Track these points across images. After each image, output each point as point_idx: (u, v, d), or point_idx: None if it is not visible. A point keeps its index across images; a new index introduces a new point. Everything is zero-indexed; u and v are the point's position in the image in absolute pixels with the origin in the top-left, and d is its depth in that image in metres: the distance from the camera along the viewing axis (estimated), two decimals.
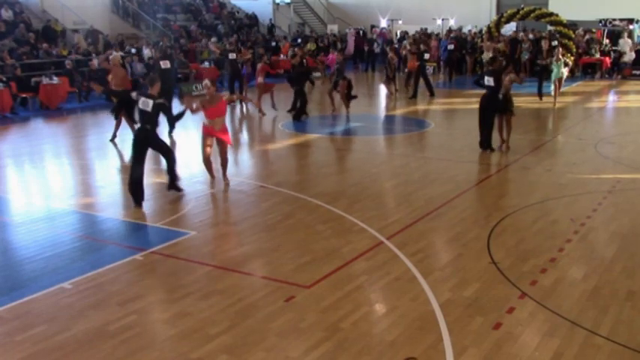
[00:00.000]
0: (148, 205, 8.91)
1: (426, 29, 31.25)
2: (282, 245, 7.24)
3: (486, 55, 24.04)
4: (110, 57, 15.99)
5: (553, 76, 18.08)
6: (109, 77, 13.92)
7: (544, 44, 20.09)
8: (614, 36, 26.61)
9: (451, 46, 26.04)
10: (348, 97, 16.97)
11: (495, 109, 11.64)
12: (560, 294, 5.84)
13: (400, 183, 10.12)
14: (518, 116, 16.75)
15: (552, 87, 18.17)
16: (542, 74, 19.21)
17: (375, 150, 13.10)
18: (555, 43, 20.85)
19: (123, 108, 13.02)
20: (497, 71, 11.69)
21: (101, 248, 7.33)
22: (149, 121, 8.78)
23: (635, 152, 11.99)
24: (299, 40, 30.54)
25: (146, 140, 8.81)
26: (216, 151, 9.83)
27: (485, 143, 11.92)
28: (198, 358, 4.83)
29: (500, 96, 11.46)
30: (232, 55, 19.36)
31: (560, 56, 18.31)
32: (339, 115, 17.07)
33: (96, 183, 10.56)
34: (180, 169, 10.97)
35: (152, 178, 9.92)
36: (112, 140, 13.53)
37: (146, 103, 8.72)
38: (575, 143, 13.38)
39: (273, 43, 30.01)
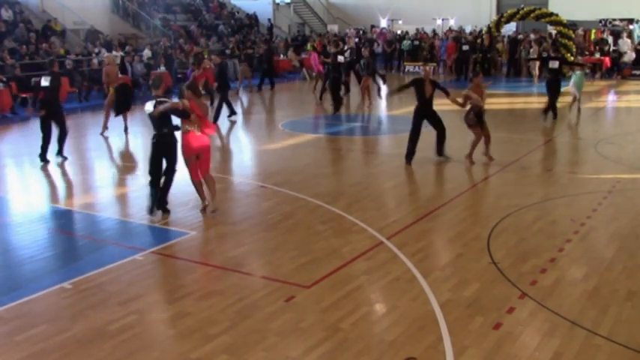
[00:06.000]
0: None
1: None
2: (282, 245, 7.24)
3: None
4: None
5: (578, 84, 15.66)
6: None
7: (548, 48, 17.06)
8: (614, 36, 26.63)
9: (466, 47, 26.29)
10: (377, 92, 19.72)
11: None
12: (560, 294, 5.84)
13: (400, 183, 10.12)
14: (518, 116, 16.83)
15: (575, 103, 15.96)
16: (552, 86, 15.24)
17: (375, 150, 13.10)
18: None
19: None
20: None
21: (101, 248, 7.32)
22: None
23: (635, 152, 11.99)
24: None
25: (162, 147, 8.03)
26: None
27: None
28: (198, 358, 4.83)
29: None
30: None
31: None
32: (338, 114, 17.08)
33: (96, 183, 10.56)
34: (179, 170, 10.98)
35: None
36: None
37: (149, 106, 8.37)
38: (575, 143, 13.39)
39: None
